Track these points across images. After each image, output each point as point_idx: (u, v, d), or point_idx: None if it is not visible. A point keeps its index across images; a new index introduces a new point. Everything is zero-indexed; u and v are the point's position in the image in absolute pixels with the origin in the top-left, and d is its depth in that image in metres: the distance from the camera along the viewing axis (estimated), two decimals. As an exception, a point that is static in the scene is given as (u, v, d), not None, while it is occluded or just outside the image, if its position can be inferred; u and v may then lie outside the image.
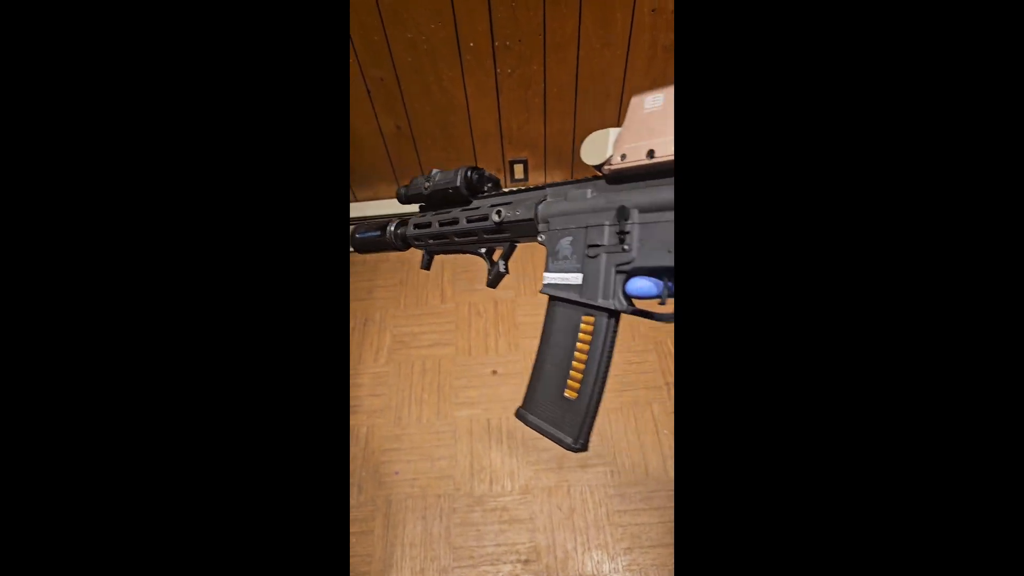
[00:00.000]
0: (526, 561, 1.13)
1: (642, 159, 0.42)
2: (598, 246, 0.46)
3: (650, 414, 1.31)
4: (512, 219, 0.53)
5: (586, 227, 0.48)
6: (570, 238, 0.49)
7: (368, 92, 1.41)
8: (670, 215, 0.41)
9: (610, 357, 0.47)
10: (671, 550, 1.12)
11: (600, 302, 0.46)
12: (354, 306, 1.57)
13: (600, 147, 0.46)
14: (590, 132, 0.46)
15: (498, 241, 0.58)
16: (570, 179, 0.51)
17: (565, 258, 0.49)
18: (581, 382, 0.48)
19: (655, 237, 0.43)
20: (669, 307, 0.40)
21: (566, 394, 0.48)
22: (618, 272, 0.45)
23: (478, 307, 1.54)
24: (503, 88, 1.42)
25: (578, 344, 0.48)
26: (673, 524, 1.16)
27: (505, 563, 1.13)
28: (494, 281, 0.59)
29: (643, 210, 0.44)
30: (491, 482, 1.24)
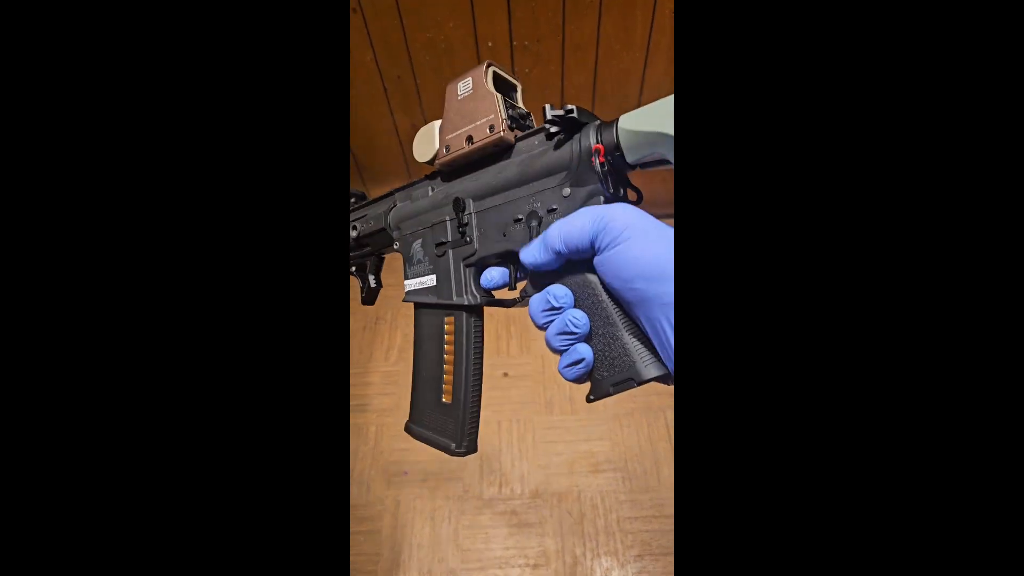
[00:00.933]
0: (535, 566, 1.11)
1: (463, 147, 0.41)
2: (444, 243, 0.45)
3: (663, 420, 1.30)
4: (368, 231, 0.52)
5: (431, 225, 0.46)
6: (420, 240, 0.48)
7: (385, 90, 1.41)
8: (499, 198, 0.41)
9: (478, 354, 0.47)
10: (682, 559, 1.11)
11: (455, 300, 0.45)
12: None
13: (428, 142, 0.45)
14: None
15: (365, 256, 0.57)
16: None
17: (419, 262, 0.48)
18: (453, 384, 0.47)
19: (489, 223, 0.42)
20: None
21: (443, 399, 0.47)
22: (466, 266, 0.44)
23: (489, 309, 1.53)
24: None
25: (445, 347, 0.47)
26: (684, 533, 1.15)
27: (513, 567, 1.11)
28: (368, 298, 0.57)
29: (476, 198, 0.43)
30: (501, 485, 1.23)
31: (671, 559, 1.10)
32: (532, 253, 0.37)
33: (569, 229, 0.34)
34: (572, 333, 0.35)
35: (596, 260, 0.34)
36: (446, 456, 0.46)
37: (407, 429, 0.50)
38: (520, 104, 0.44)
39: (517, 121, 0.41)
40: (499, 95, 0.41)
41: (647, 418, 1.30)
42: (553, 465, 1.25)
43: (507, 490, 1.22)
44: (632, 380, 0.33)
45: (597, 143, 0.35)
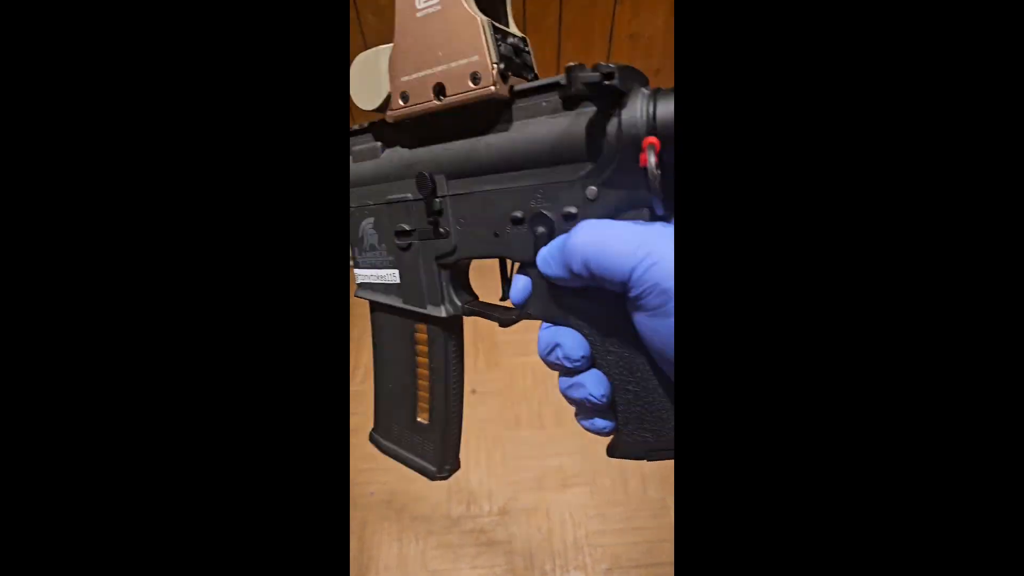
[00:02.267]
0: (504, 584, 1.11)
1: (430, 99, 0.28)
2: (408, 232, 0.33)
3: (629, 433, 1.31)
4: None
5: (388, 202, 0.33)
6: (372, 219, 0.35)
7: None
8: (487, 181, 0.28)
9: (459, 369, 0.37)
10: (651, 571, 1.12)
11: (430, 310, 0.34)
12: (332, 323, 1.55)
13: (373, 80, 0.30)
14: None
15: None
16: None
17: (373, 248, 0.36)
18: (431, 404, 0.38)
19: (474, 213, 0.30)
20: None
21: (419, 419, 0.38)
22: (441, 266, 0.33)
23: (458, 325, 1.53)
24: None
25: (418, 359, 0.37)
26: (653, 545, 1.16)
27: (483, 586, 1.11)
28: None
29: (451, 176, 0.30)
30: (468, 503, 1.22)
31: (640, 572, 1.11)
32: (545, 260, 0.27)
33: (601, 250, 0.24)
34: (588, 406, 0.28)
35: (635, 317, 0.25)
36: (412, 475, 0.42)
37: (372, 440, 0.42)
38: (512, 27, 0.30)
39: (512, 60, 0.28)
40: (485, 18, 0.27)
41: (614, 431, 1.32)
42: (522, 481, 1.25)
43: (475, 508, 1.21)
44: (671, 451, 0.26)
45: (650, 132, 0.23)
